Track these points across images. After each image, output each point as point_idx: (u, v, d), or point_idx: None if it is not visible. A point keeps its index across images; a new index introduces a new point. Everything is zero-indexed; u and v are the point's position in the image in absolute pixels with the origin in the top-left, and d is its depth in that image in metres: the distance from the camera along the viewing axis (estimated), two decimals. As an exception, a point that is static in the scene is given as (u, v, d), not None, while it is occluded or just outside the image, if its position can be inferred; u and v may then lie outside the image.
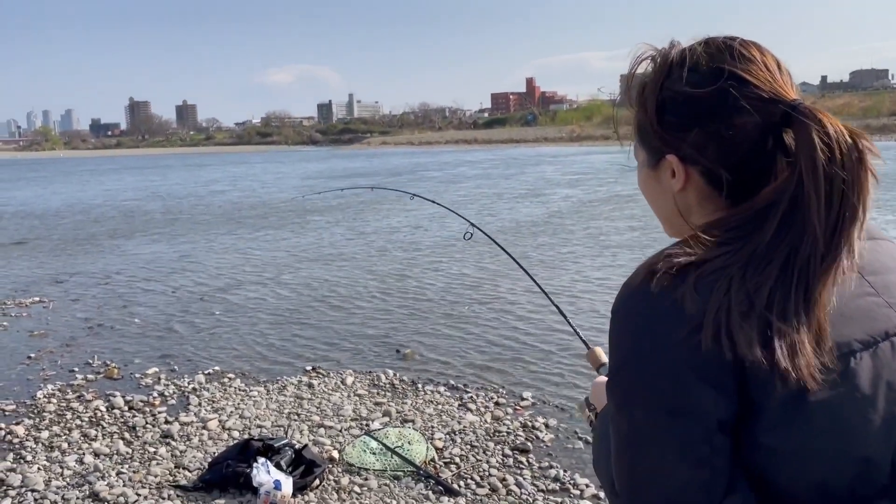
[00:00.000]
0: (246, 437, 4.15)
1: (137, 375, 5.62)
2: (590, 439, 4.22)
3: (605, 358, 1.55)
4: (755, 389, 0.80)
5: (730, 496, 0.82)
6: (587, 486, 3.68)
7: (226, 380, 5.46)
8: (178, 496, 3.61)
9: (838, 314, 0.82)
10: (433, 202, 3.44)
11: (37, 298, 8.56)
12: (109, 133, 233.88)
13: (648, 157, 0.99)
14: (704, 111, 0.89)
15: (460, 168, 36.33)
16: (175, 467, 3.93)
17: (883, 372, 0.83)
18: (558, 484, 3.72)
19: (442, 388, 5.18)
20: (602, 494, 3.59)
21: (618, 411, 0.88)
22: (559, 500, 3.55)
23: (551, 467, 3.90)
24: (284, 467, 3.65)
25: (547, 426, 4.46)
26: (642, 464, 0.86)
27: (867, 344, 0.84)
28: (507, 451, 4.10)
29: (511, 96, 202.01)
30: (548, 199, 19.04)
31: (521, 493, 3.63)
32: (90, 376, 5.62)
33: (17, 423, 4.60)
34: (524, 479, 3.77)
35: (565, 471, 3.86)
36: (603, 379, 1.24)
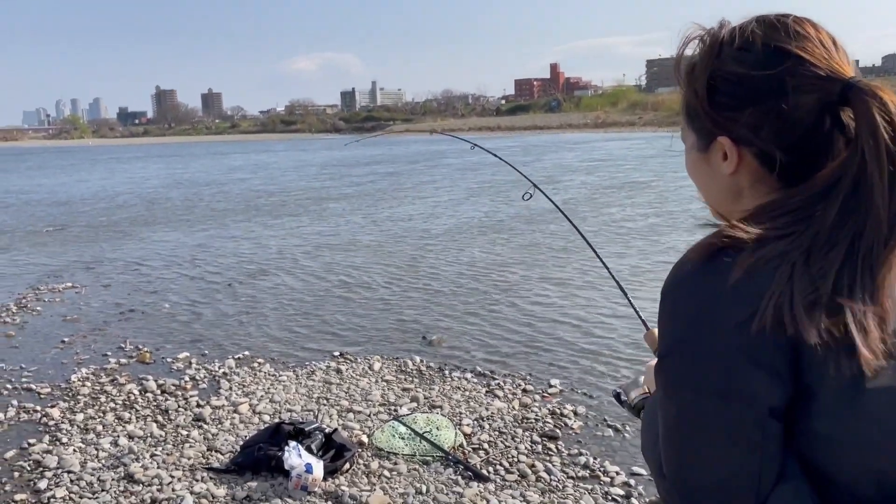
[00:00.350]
0: (277, 420, 4.19)
1: (169, 360, 5.70)
2: (619, 427, 4.21)
3: None
4: (811, 375, 0.79)
5: (781, 484, 0.80)
6: (617, 473, 3.67)
7: (255, 364, 5.52)
8: (210, 478, 3.66)
9: None
10: (496, 156, 3.39)
11: (69, 284, 8.70)
12: (136, 121, 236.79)
13: (698, 139, 0.96)
14: (759, 91, 0.87)
15: (481, 155, 36.09)
16: (207, 450, 3.99)
17: None
18: (588, 471, 3.71)
19: (469, 375, 5.19)
20: (633, 482, 3.58)
21: (666, 395, 0.87)
22: (589, 487, 3.54)
23: (580, 454, 3.89)
24: (315, 451, 3.68)
25: (575, 413, 4.45)
26: (691, 449, 0.85)
27: None
28: (536, 438, 4.09)
29: (535, 82, 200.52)
30: (564, 186, 18.89)
31: (551, 479, 3.62)
32: (123, 360, 5.71)
33: (53, 406, 4.69)
34: (553, 465, 3.77)
35: (595, 458, 3.84)
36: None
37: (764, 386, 0.79)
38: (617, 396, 1.42)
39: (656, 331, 1.59)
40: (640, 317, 1.84)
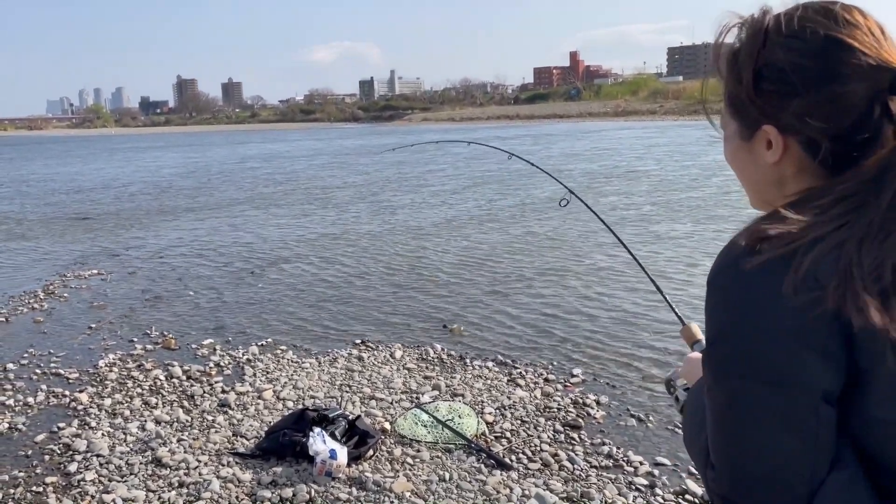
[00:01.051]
0: (301, 407, 4.23)
1: (194, 346, 5.77)
2: (642, 417, 4.21)
3: (700, 335, 1.53)
4: (868, 360, 0.78)
5: (836, 472, 0.80)
6: (641, 463, 3.66)
7: (278, 351, 5.57)
8: (236, 463, 3.71)
9: None
10: (531, 164, 3.40)
11: (95, 271, 8.83)
12: (158, 111, 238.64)
13: (741, 127, 0.95)
14: (808, 79, 0.86)
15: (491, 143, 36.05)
16: (233, 435, 4.04)
17: None
18: (611, 460, 3.71)
19: (490, 364, 5.19)
20: (656, 472, 3.57)
21: (715, 383, 0.87)
22: (613, 476, 3.54)
23: (604, 444, 3.88)
24: (339, 437, 3.71)
25: (598, 403, 4.44)
26: (741, 436, 0.84)
27: None
28: (559, 427, 4.09)
29: (554, 70, 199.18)
30: (566, 175, 18.75)
31: (574, 468, 3.63)
32: (149, 346, 5.79)
33: (81, 391, 4.77)
34: (576, 454, 3.77)
35: (618, 448, 3.84)
36: (696, 354, 1.23)
37: (818, 371, 0.79)
38: (669, 384, 1.40)
39: (693, 326, 1.58)
40: (674, 311, 1.82)
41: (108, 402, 4.59)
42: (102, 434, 4.11)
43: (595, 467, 3.64)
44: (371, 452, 3.75)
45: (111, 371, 5.17)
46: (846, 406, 0.81)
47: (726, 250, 0.87)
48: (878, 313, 0.76)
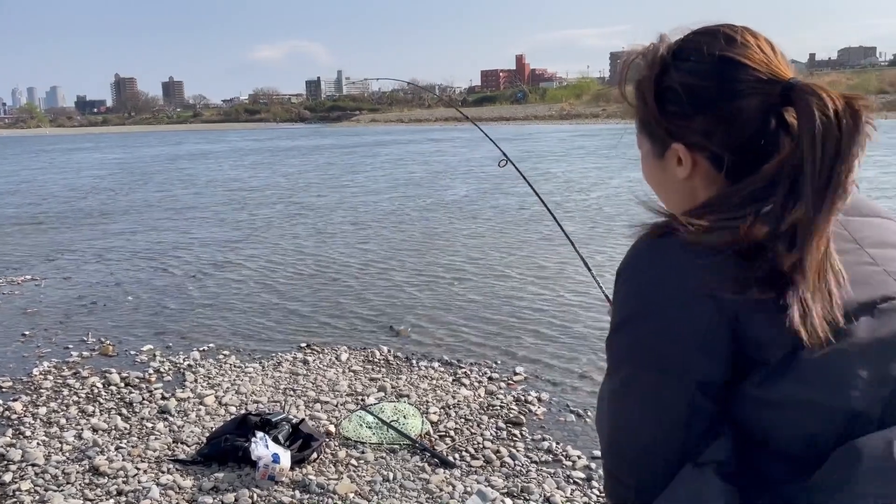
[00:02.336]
0: (243, 412, 4.20)
1: (132, 352, 5.66)
2: (581, 413, 4.33)
3: None
4: (755, 351, 0.85)
5: (712, 447, 0.86)
6: (579, 457, 3.76)
7: (221, 356, 5.51)
8: (177, 470, 3.66)
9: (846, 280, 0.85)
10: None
11: (28, 276, 8.54)
12: (95, 110, 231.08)
13: (653, 147, 1.01)
14: (706, 98, 0.92)
15: (423, 144, 36.38)
16: (173, 442, 3.99)
17: (877, 331, 0.85)
18: (551, 455, 3.80)
19: (436, 364, 5.25)
20: (594, 465, 3.68)
21: (612, 368, 0.94)
22: (552, 471, 3.63)
23: (544, 439, 3.98)
24: (282, 441, 3.71)
25: (539, 400, 4.54)
26: (625, 418, 0.91)
27: (865, 306, 0.86)
28: (501, 425, 4.18)
29: (501, 73, 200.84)
30: (476, 177, 19.04)
31: (515, 464, 3.71)
32: (85, 353, 5.65)
33: (15, 400, 4.63)
34: (517, 451, 3.85)
35: (558, 443, 3.94)
36: None
37: (702, 365, 0.85)
38: None
39: None
40: (602, 290, 1.91)
41: (42, 410, 4.47)
42: (38, 443, 4.00)
43: (535, 462, 3.73)
44: (315, 455, 3.76)
45: (46, 379, 5.03)
46: (733, 388, 0.87)
47: (636, 244, 0.93)
48: (757, 307, 0.82)
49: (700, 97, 0.92)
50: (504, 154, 3.05)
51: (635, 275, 0.91)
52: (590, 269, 2.20)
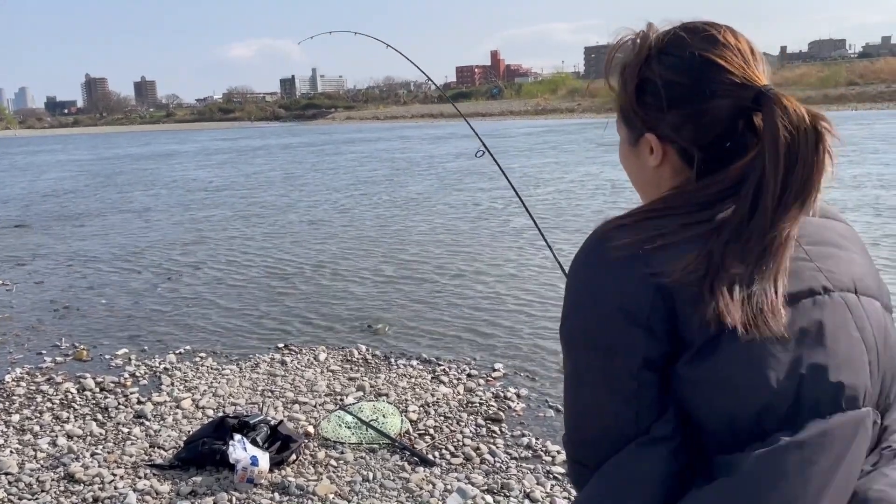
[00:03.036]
0: (221, 414, 4.17)
1: (107, 357, 5.58)
2: (559, 408, 4.34)
3: None
4: (687, 333, 0.89)
5: (657, 423, 0.90)
6: (558, 452, 3.78)
7: (197, 359, 5.45)
8: (154, 475, 3.62)
9: None
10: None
11: (-1, 281, 8.39)
12: (66, 111, 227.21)
13: (629, 134, 1.05)
14: (681, 94, 0.95)
15: (392, 142, 36.43)
16: (150, 447, 3.94)
17: (798, 320, 0.89)
18: (530, 451, 3.82)
19: (414, 362, 5.25)
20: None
21: (566, 356, 0.99)
22: (532, 466, 3.65)
23: (523, 435, 4.00)
24: (261, 443, 3.68)
25: (518, 396, 4.56)
26: (581, 401, 0.96)
27: (790, 298, 0.89)
28: (480, 422, 4.19)
29: (476, 69, 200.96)
30: (441, 169, 19.10)
31: (495, 461, 3.72)
32: (59, 359, 5.56)
33: (-14, 408, 4.54)
34: (497, 447, 3.86)
35: (537, 438, 3.96)
36: None
37: (640, 342, 0.89)
38: None
39: None
40: (562, 269, 1.95)
41: (15, 417, 4.39)
42: (11, 451, 3.93)
43: (515, 458, 3.75)
44: (294, 457, 3.74)
45: (18, 386, 4.94)
46: (672, 374, 0.91)
47: (587, 238, 0.98)
48: (726, 304, 0.86)
49: (675, 92, 0.95)
50: (485, 146, 3.06)
51: (583, 266, 0.97)
52: (558, 261, 2.22)
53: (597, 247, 0.95)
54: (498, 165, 2.99)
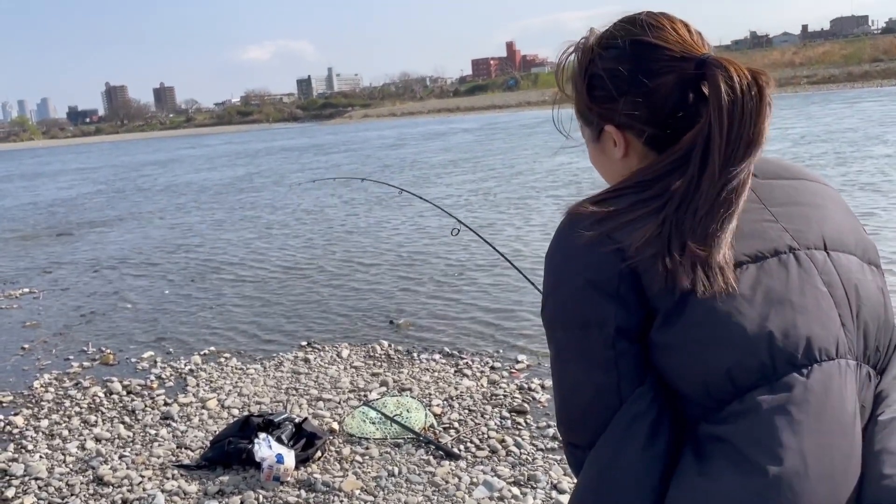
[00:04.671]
0: (245, 413, 4.18)
1: (133, 360, 5.63)
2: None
3: None
4: (655, 300, 0.91)
5: (632, 396, 0.92)
6: (585, 442, 3.74)
7: (222, 359, 5.48)
8: (181, 475, 3.64)
9: (738, 234, 0.92)
10: (421, 198, 3.70)
11: (26, 290, 8.51)
12: (88, 120, 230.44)
13: (591, 132, 1.09)
14: (625, 81, 0.99)
15: (396, 144, 36.32)
16: (177, 447, 3.96)
17: (763, 279, 0.91)
18: (556, 442, 3.78)
19: (437, 356, 5.22)
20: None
21: (548, 338, 1.01)
22: (558, 457, 3.61)
23: (549, 426, 3.95)
24: (286, 441, 3.68)
25: (543, 387, 4.51)
26: (566, 380, 0.98)
27: (755, 258, 0.92)
28: (505, 414, 4.15)
29: (492, 61, 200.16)
30: (425, 162, 18.97)
31: (521, 453, 3.68)
32: (86, 363, 5.62)
33: (16, 414, 4.60)
34: (523, 439, 3.83)
35: (563, 429, 3.91)
36: None
37: (612, 312, 0.92)
38: None
39: None
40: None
41: (44, 423, 4.45)
42: (40, 456, 3.98)
43: (541, 450, 3.71)
44: (319, 454, 3.74)
45: (47, 391, 5.01)
46: (649, 342, 0.93)
47: (557, 225, 1.01)
48: (675, 267, 0.89)
49: (621, 80, 0.99)
50: (458, 220, 3.04)
51: (554, 251, 1.00)
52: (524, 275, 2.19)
53: (565, 230, 0.99)
54: (480, 236, 3.01)
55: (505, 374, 4.80)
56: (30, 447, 4.11)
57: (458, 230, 3.27)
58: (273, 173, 23.87)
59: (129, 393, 4.88)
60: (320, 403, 4.46)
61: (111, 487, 3.57)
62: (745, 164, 0.92)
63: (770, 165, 1.03)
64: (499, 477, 3.42)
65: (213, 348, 5.79)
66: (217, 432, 4.02)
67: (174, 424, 4.28)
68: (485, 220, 10.80)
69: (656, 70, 0.97)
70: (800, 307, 0.89)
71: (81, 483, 3.63)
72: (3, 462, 3.92)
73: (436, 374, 4.86)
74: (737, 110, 0.91)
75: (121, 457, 3.89)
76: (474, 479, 3.42)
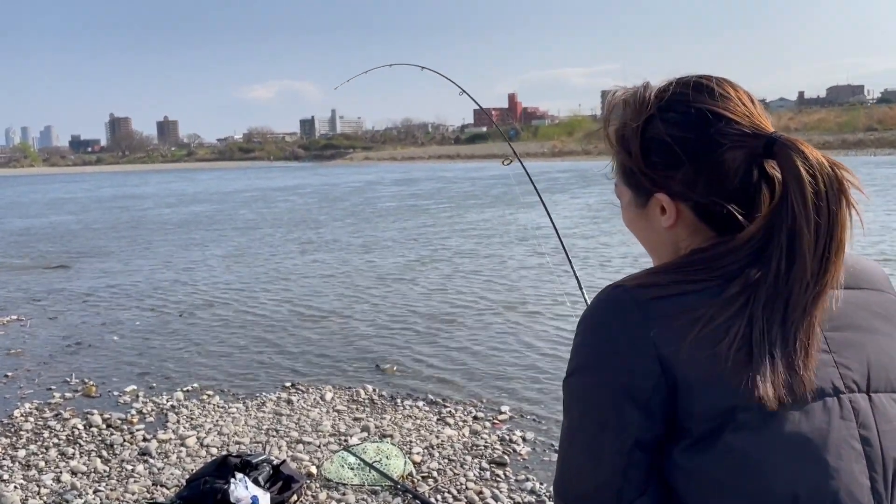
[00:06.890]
0: (224, 453, 4.16)
1: (116, 393, 5.61)
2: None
3: None
4: (685, 417, 0.87)
5: (641, 498, 0.89)
6: (562, 498, 3.72)
7: (205, 396, 5.46)
8: (155, 513, 3.61)
9: None
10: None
11: (14, 317, 8.49)
12: (90, 149, 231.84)
13: (635, 196, 1.02)
14: (691, 150, 0.92)
15: (394, 187, 36.66)
16: (153, 484, 3.94)
17: (803, 424, 0.85)
18: (534, 496, 3.77)
19: (420, 403, 5.22)
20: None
21: (565, 408, 0.96)
22: (535, 512, 3.60)
23: (528, 480, 3.94)
24: (262, 483, 3.66)
25: (524, 439, 4.51)
26: (572, 461, 0.95)
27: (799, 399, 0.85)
28: (485, 465, 4.14)
29: (494, 112, 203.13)
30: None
31: (498, 505, 3.67)
32: (68, 394, 5.59)
33: (-7, 443, 4.57)
34: (500, 492, 3.82)
35: (541, 483, 3.90)
36: None
37: (635, 423, 0.88)
38: None
39: None
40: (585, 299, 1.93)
41: (21, 453, 4.41)
42: (15, 486, 3.95)
43: (518, 503, 3.70)
44: (295, 497, 3.72)
45: (26, 421, 4.97)
46: (664, 451, 0.90)
47: (597, 296, 0.95)
48: (770, 385, 0.83)
49: (684, 149, 0.93)
50: (515, 153, 3.12)
51: (591, 325, 0.94)
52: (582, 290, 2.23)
53: (612, 307, 0.92)
54: (527, 173, 3.04)
55: (487, 424, 4.79)
56: (5, 476, 4.07)
57: (511, 160, 3.26)
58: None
59: (108, 426, 4.85)
60: (300, 446, 4.45)
61: (83, 522, 3.53)
62: (837, 262, 0.86)
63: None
64: (474, 529, 3.40)
65: (196, 385, 5.77)
66: (194, 471, 3.99)
67: (151, 461, 4.25)
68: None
69: (724, 144, 0.91)
70: (833, 470, 0.83)
71: (53, 516, 3.60)
72: (-24, 491, 3.88)
73: (418, 421, 4.85)
74: (820, 201, 0.85)
75: (95, 491, 3.86)
76: (449, 531, 3.40)
